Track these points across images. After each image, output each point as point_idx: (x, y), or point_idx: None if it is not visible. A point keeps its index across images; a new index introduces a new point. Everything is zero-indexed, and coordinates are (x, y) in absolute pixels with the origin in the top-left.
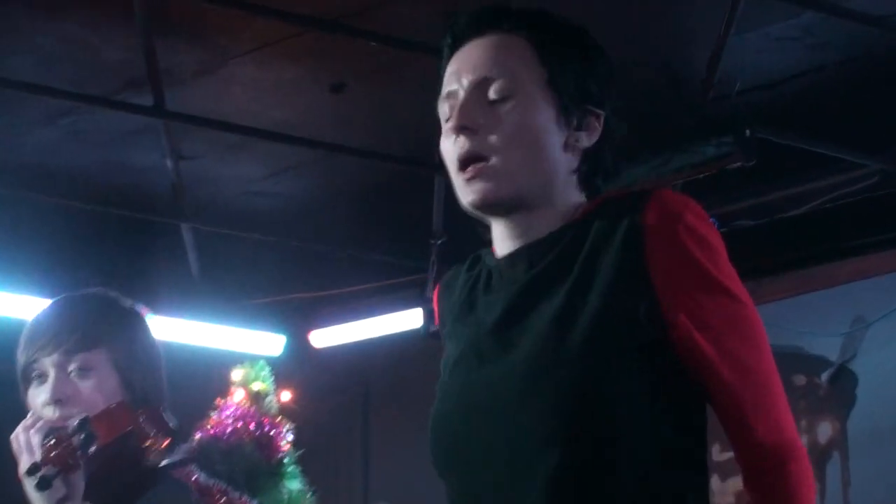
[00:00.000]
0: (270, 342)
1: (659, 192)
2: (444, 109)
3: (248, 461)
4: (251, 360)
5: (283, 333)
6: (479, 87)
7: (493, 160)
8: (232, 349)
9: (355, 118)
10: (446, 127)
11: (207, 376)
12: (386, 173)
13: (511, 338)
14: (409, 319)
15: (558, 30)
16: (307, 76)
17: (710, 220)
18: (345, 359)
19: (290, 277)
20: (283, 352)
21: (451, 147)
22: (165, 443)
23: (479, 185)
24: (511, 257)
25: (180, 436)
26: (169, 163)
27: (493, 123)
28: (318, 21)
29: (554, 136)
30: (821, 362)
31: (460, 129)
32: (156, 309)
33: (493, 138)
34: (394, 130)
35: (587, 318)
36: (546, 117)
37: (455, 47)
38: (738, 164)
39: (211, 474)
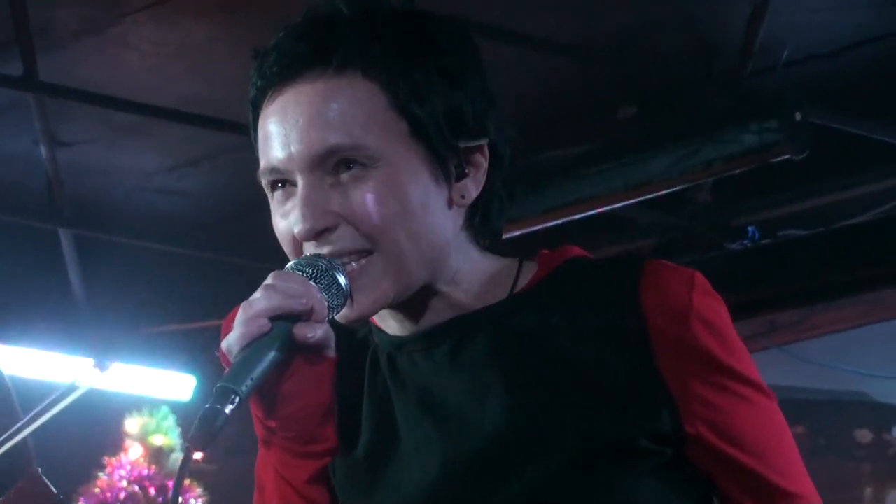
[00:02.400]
0: (176, 383)
1: (653, 270)
2: (268, 182)
3: None
4: (151, 406)
5: (193, 372)
6: (322, 164)
7: (366, 261)
8: (126, 392)
9: None
10: (282, 221)
11: (95, 427)
12: None
13: (459, 450)
14: None
15: (408, 49)
16: (224, 38)
17: (711, 287)
18: None
19: (203, 299)
20: (194, 396)
21: (293, 248)
22: None
23: (361, 295)
24: (425, 338)
25: None
26: (43, 150)
27: (353, 210)
28: None
29: (435, 201)
30: (891, 412)
31: (314, 235)
32: (24, 338)
33: (362, 229)
34: None
35: (581, 436)
36: (421, 183)
37: (266, 92)
38: (786, 156)
39: None
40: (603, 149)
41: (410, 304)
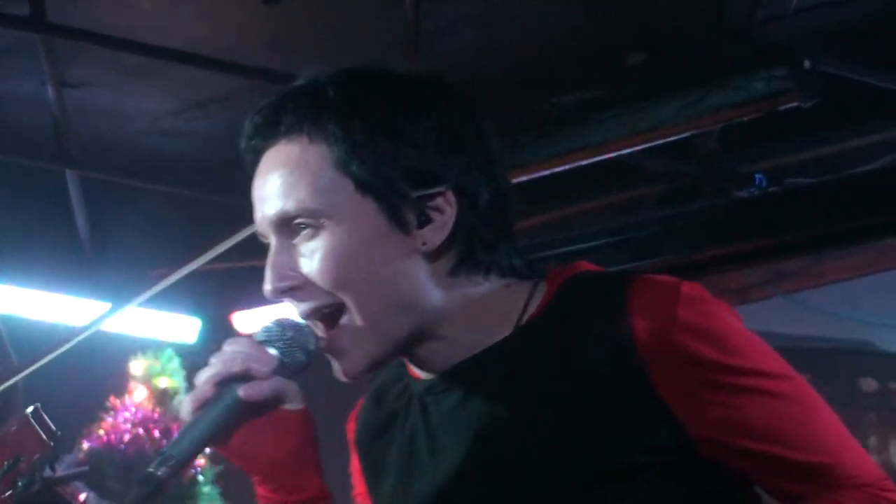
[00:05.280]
0: (181, 326)
1: (639, 288)
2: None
3: None
4: (156, 348)
5: (198, 315)
6: (283, 228)
7: (341, 320)
8: (131, 334)
9: (295, 37)
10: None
11: (99, 369)
12: None
13: (486, 486)
14: None
15: (351, 110)
16: None
17: (703, 294)
18: None
19: (208, 242)
20: (198, 339)
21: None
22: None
23: (338, 362)
24: (443, 381)
25: (63, 443)
26: (50, 91)
27: (309, 270)
28: None
29: (393, 251)
30: None
31: (279, 294)
32: (29, 280)
33: (323, 287)
34: (344, 54)
35: (578, 460)
36: (372, 235)
37: (248, 158)
38: (795, 104)
39: (103, 494)
40: (612, 95)
41: (418, 352)
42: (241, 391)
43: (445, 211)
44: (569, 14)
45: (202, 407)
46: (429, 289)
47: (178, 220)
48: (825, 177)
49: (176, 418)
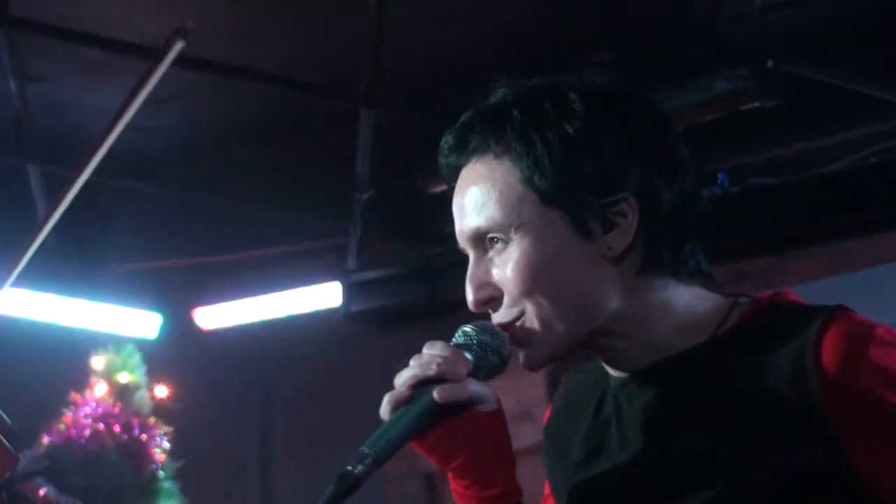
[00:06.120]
0: (143, 321)
1: (836, 321)
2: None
3: (112, 474)
4: (117, 343)
5: (159, 310)
6: (479, 243)
7: (521, 321)
8: (92, 329)
9: (259, 33)
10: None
11: (60, 364)
12: (297, 106)
13: (660, 483)
14: (324, 296)
15: (530, 124)
16: None
17: None
18: (239, 345)
19: (170, 238)
20: (160, 334)
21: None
22: None
23: (521, 353)
24: (633, 380)
25: (21, 438)
26: (12, 85)
27: (501, 282)
28: None
29: (578, 259)
30: None
31: (481, 305)
32: None
33: (511, 297)
34: (309, 50)
35: (756, 469)
36: (559, 245)
37: (445, 174)
38: (757, 103)
39: (63, 489)
40: None
41: (605, 349)
42: (436, 394)
43: (628, 216)
44: (533, 13)
45: (399, 408)
46: (613, 292)
47: (140, 215)
48: (788, 177)
49: (136, 414)
